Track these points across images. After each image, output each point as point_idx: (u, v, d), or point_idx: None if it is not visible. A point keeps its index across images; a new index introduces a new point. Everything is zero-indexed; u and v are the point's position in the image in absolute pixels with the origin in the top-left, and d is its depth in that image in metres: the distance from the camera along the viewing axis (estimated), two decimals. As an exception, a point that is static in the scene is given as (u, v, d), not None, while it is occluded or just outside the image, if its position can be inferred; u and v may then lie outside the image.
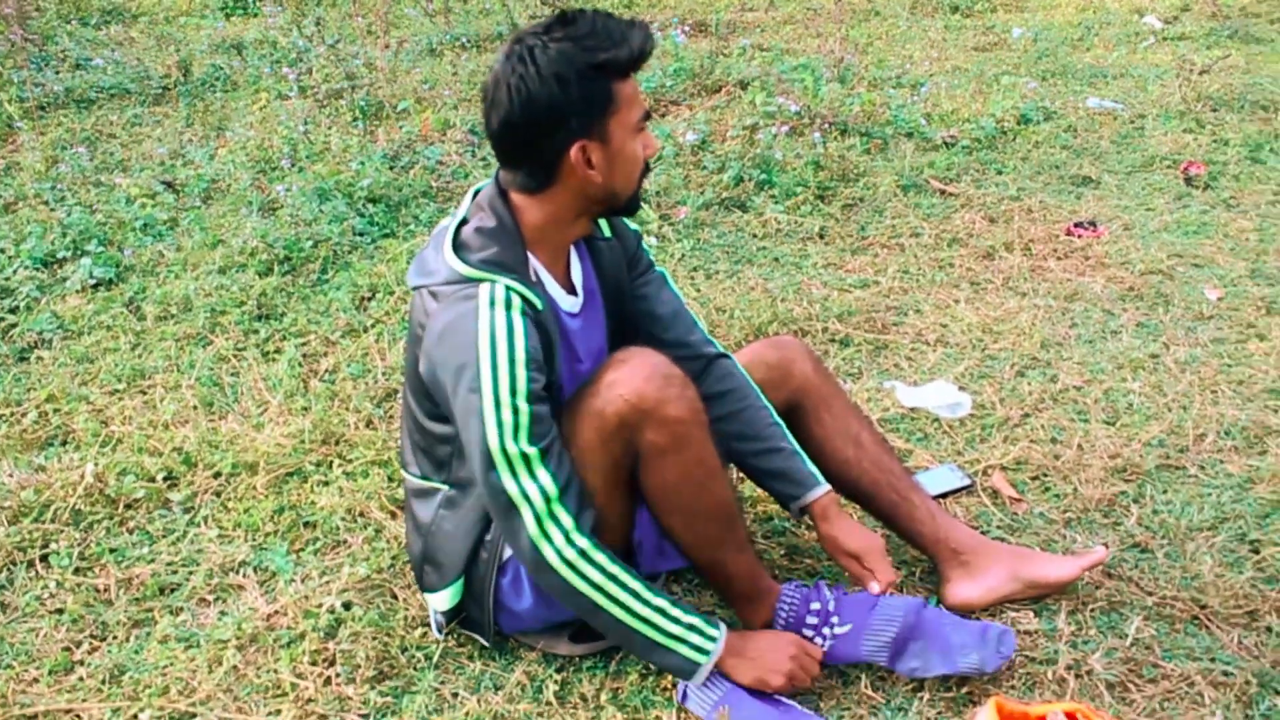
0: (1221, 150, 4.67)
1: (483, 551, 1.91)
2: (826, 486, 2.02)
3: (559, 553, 1.73)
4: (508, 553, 1.90)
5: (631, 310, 2.04)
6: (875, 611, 1.92)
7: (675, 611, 1.80)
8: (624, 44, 1.72)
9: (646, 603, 1.77)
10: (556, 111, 1.71)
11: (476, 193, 1.88)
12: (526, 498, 1.72)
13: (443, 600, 1.96)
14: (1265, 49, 6.53)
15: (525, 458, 1.72)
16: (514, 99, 1.71)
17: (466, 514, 1.90)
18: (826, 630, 1.92)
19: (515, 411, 1.70)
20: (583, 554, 1.74)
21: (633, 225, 2.07)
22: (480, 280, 1.75)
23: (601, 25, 1.73)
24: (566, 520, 1.73)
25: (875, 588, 1.96)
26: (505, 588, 1.93)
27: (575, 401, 1.82)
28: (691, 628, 1.80)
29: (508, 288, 1.75)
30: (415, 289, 1.85)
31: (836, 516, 2.00)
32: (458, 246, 1.80)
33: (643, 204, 1.89)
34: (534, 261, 1.85)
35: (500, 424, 1.70)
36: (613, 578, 1.75)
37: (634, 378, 1.75)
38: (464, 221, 1.85)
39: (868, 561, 1.97)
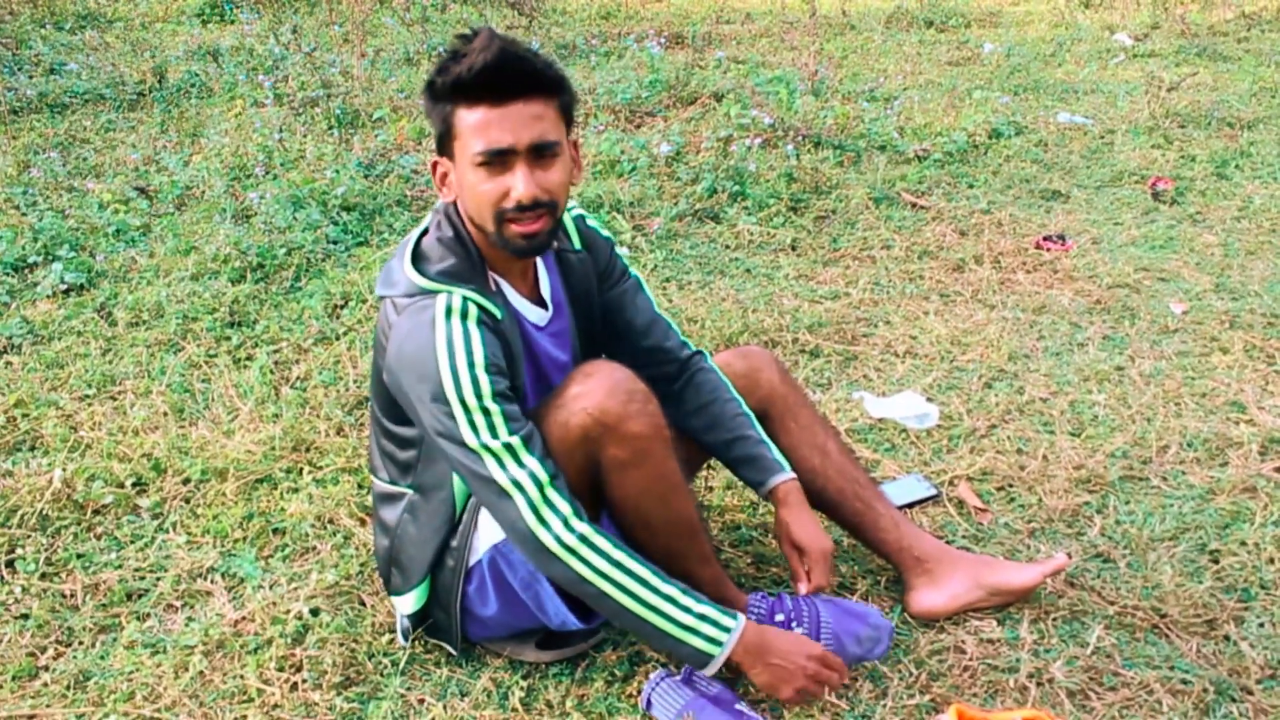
0: (1189, 166, 4.73)
1: (448, 558, 1.92)
2: (792, 475, 2.05)
3: (558, 539, 1.72)
4: (473, 559, 1.91)
5: (606, 320, 2.06)
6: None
7: (687, 600, 1.77)
8: (456, 68, 1.71)
9: (656, 590, 1.75)
10: (431, 122, 1.80)
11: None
12: (518, 485, 1.72)
13: (408, 603, 1.97)
14: (1232, 67, 6.62)
15: (509, 447, 1.72)
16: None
17: (430, 518, 1.91)
18: None
19: (486, 413, 1.72)
20: (584, 539, 1.72)
21: (605, 233, 2.09)
22: (437, 291, 1.77)
23: (466, 46, 1.71)
24: (564, 506, 1.73)
25: (801, 588, 1.99)
26: (471, 595, 1.94)
27: (540, 412, 1.83)
28: (704, 618, 1.78)
29: (464, 297, 1.76)
30: (381, 298, 1.86)
31: (795, 505, 2.03)
32: (417, 258, 1.82)
33: (535, 251, 1.84)
34: (493, 273, 1.87)
35: (474, 425, 1.71)
36: (618, 564, 1.74)
37: (597, 392, 1.77)
38: (425, 232, 1.87)
39: (809, 559, 1.99)
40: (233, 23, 7.76)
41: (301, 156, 4.59)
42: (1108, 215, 4.24)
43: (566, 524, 1.73)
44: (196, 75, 6.20)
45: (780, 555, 2.30)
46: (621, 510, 1.85)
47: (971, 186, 4.55)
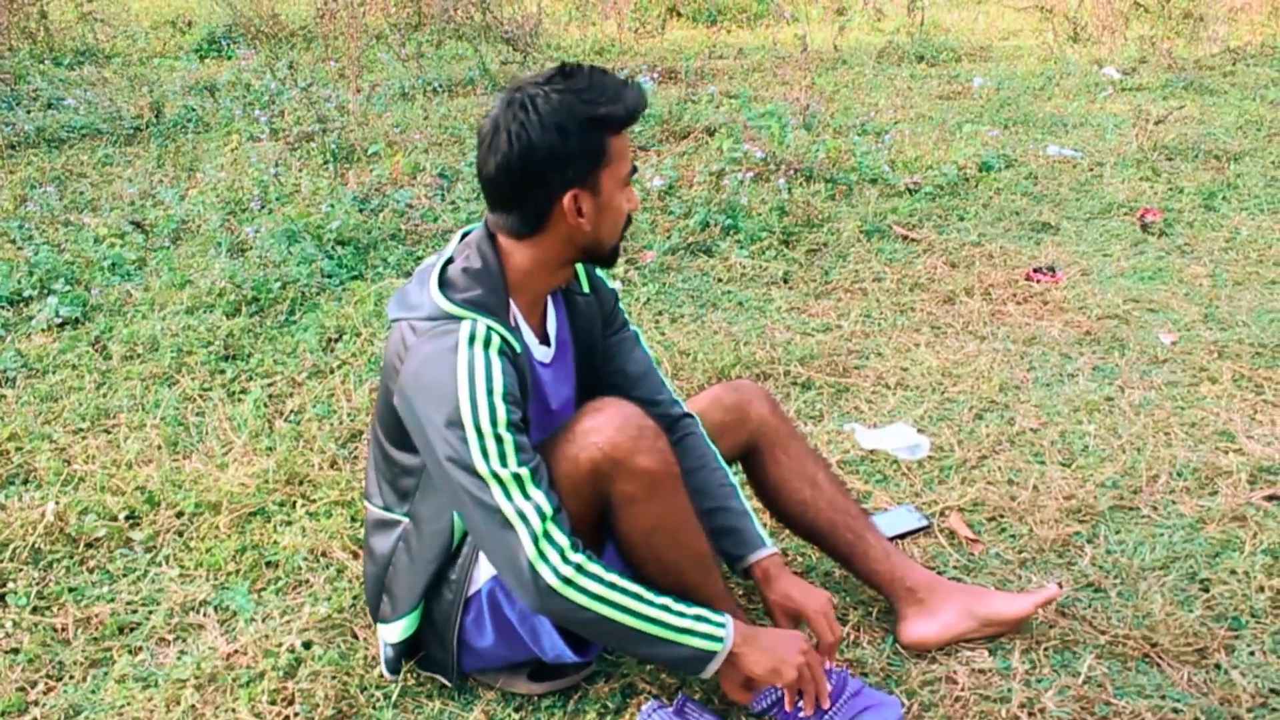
0: (1176, 198, 4.78)
1: (446, 590, 1.93)
2: (774, 549, 2.05)
3: (555, 571, 1.72)
4: (472, 589, 1.91)
5: (602, 367, 2.08)
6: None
7: (679, 606, 1.80)
8: (620, 100, 1.78)
9: (650, 602, 1.77)
10: (554, 159, 1.76)
11: (465, 234, 1.92)
12: (523, 516, 1.73)
13: (394, 632, 1.97)
14: (1219, 100, 6.69)
15: (518, 478, 1.73)
16: (514, 144, 1.76)
17: (425, 548, 1.92)
18: None
19: (499, 440, 1.73)
20: (579, 569, 1.73)
21: (610, 284, 2.13)
22: (461, 318, 1.79)
23: (599, 81, 1.78)
24: (562, 539, 1.74)
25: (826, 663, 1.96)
26: (468, 626, 1.94)
27: (548, 446, 1.84)
28: (699, 618, 1.80)
29: (489, 327, 1.78)
30: (395, 321, 1.87)
31: (780, 577, 2.02)
32: (443, 284, 1.83)
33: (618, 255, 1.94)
34: (514, 308, 1.89)
35: (485, 451, 1.73)
36: (612, 585, 1.75)
37: (608, 427, 1.78)
38: (450, 261, 1.88)
39: (810, 622, 1.97)
40: (230, 58, 7.81)
41: (297, 191, 4.61)
42: (1097, 247, 4.27)
43: (564, 557, 1.73)
44: (193, 110, 6.24)
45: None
46: (632, 546, 1.86)
47: (962, 219, 4.59)
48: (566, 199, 1.80)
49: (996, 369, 3.25)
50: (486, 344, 1.76)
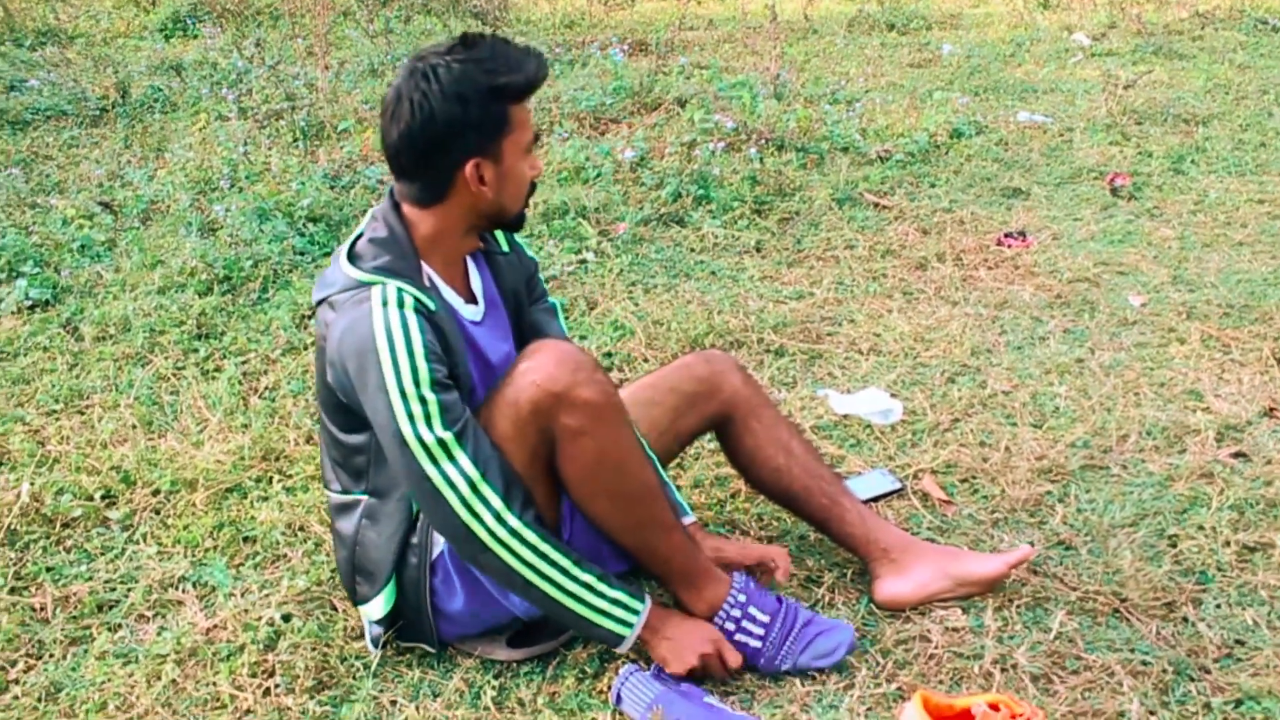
0: (1146, 162, 4.81)
1: (411, 555, 1.95)
2: (693, 517, 2.15)
3: (491, 532, 1.78)
4: (435, 551, 1.93)
5: (525, 338, 2.10)
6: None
7: (601, 586, 1.87)
8: (521, 69, 1.81)
9: (574, 578, 1.84)
10: (455, 129, 1.80)
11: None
12: (450, 483, 1.78)
13: (376, 608, 1.98)
14: (1187, 65, 6.72)
15: (442, 443, 1.77)
16: (416, 114, 1.79)
17: (389, 520, 1.94)
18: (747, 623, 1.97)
19: (423, 401, 1.77)
20: (514, 533, 1.79)
21: (530, 253, 2.16)
22: (372, 284, 1.82)
23: (501, 50, 1.82)
24: (495, 500, 1.79)
25: (780, 577, 2.11)
26: (438, 588, 1.96)
27: (491, 395, 1.88)
28: (616, 602, 1.88)
29: (399, 288, 1.81)
30: (317, 304, 1.91)
31: (704, 539, 2.15)
32: (352, 257, 1.88)
33: (527, 220, 2.00)
34: (428, 270, 1.92)
35: (410, 415, 1.76)
36: (543, 555, 1.82)
37: (546, 364, 1.81)
38: (360, 236, 1.92)
39: (755, 560, 2.12)
40: (196, 37, 7.73)
41: (267, 169, 4.58)
42: (1067, 211, 4.30)
43: (498, 518, 1.79)
44: (160, 90, 6.18)
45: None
46: (579, 482, 1.88)
47: (933, 186, 4.60)
48: (468, 167, 1.83)
49: (968, 333, 3.27)
50: (400, 304, 1.80)
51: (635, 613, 1.89)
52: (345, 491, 1.98)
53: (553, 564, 1.82)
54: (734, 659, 1.93)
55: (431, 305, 1.84)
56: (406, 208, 1.91)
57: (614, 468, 1.86)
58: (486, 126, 1.82)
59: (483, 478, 1.78)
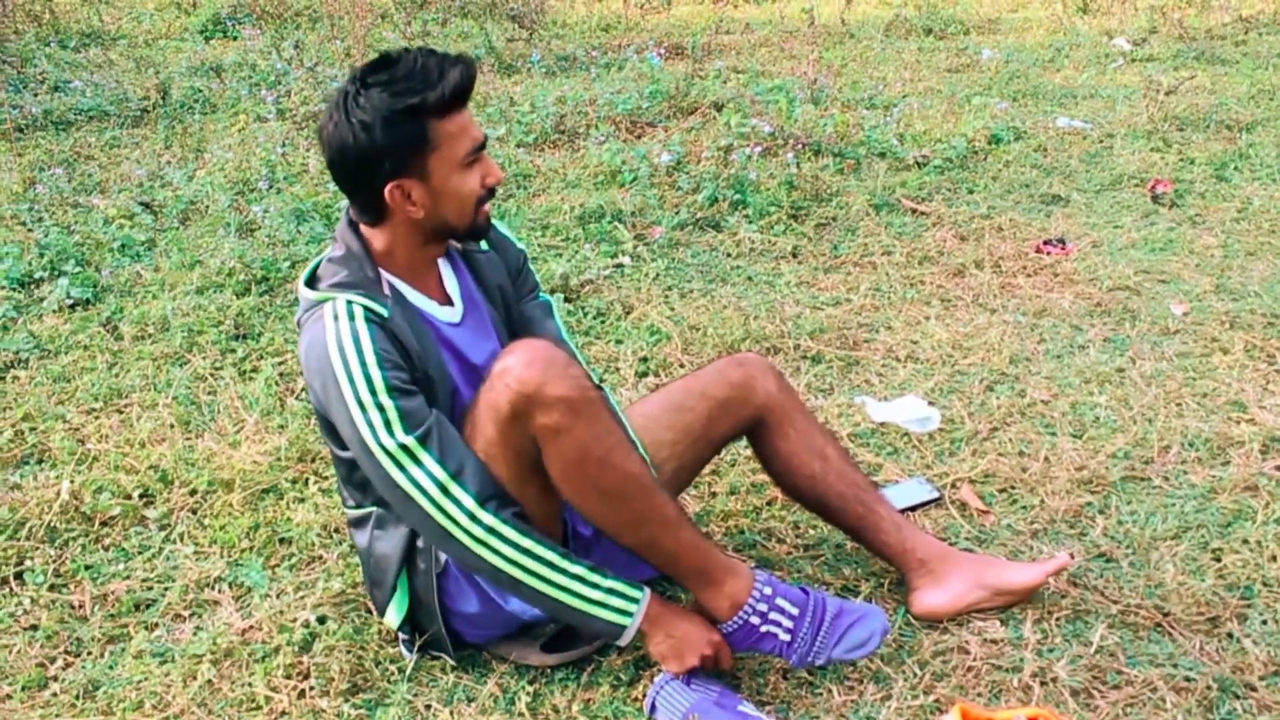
0: (1188, 169, 4.75)
1: (419, 560, 1.95)
2: None
3: (467, 532, 1.78)
4: (444, 555, 1.93)
5: (515, 330, 2.09)
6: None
7: (594, 577, 1.84)
8: (438, 85, 1.78)
9: (563, 571, 1.82)
10: (365, 157, 1.80)
11: None
12: (419, 486, 1.78)
13: (392, 616, 1.99)
14: (1230, 70, 6.64)
15: (405, 448, 1.78)
16: (331, 143, 1.82)
17: (396, 526, 1.94)
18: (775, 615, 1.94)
19: (381, 409, 1.78)
20: (491, 530, 1.79)
21: (518, 244, 2.15)
22: (324, 301, 1.84)
23: (420, 66, 1.79)
24: (466, 500, 1.78)
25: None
26: (451, 591, 1.95)
27: (474, 400, 1.87)
28: (613, 591, 1.85)
29: (348, 301, 1.83)
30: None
31: None
32: (314, 280, 1.90)
33: (492, 227, 2.02)
34: (390, 278, 1.92)
35: (370, 423, 1.78)
36: (525, 551, 1.80)
37: (516, 365, 1.79)
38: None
39: None
40: (235, 39, 7.79)
41: (305, 170, 4.61)
42: (1107, 219, 4.25)
43: (472, 518, 1.78)
44: (200, 91, 6.24)
45: (785, 559, 2.31)
46: (566, 481, 1.84)
47: (971, 192, 4.57)
48: (388, 191, 1.83)
49: (1007, 341, 3.24)
50: (351, 316, 1.81)
51: (634, 601, 1.86)
52: (358, 506, 2.00)
53: (537, 559, 1.80)
54: (729, 664, 1.93)
55: (385, 313, 1.84)
56: (361, 225, 1.92)
57: (598, 463, 1.81)
58: (402, 150, 1.80)
59: (452, 478, 1.78)
